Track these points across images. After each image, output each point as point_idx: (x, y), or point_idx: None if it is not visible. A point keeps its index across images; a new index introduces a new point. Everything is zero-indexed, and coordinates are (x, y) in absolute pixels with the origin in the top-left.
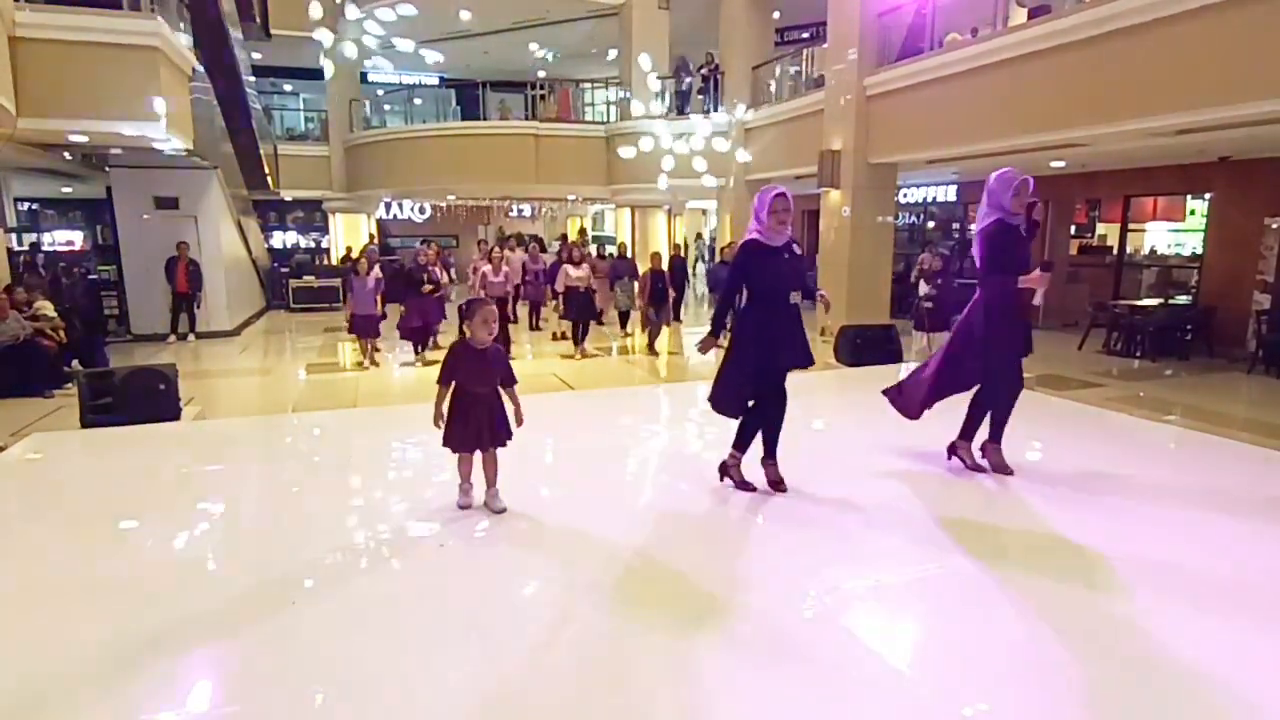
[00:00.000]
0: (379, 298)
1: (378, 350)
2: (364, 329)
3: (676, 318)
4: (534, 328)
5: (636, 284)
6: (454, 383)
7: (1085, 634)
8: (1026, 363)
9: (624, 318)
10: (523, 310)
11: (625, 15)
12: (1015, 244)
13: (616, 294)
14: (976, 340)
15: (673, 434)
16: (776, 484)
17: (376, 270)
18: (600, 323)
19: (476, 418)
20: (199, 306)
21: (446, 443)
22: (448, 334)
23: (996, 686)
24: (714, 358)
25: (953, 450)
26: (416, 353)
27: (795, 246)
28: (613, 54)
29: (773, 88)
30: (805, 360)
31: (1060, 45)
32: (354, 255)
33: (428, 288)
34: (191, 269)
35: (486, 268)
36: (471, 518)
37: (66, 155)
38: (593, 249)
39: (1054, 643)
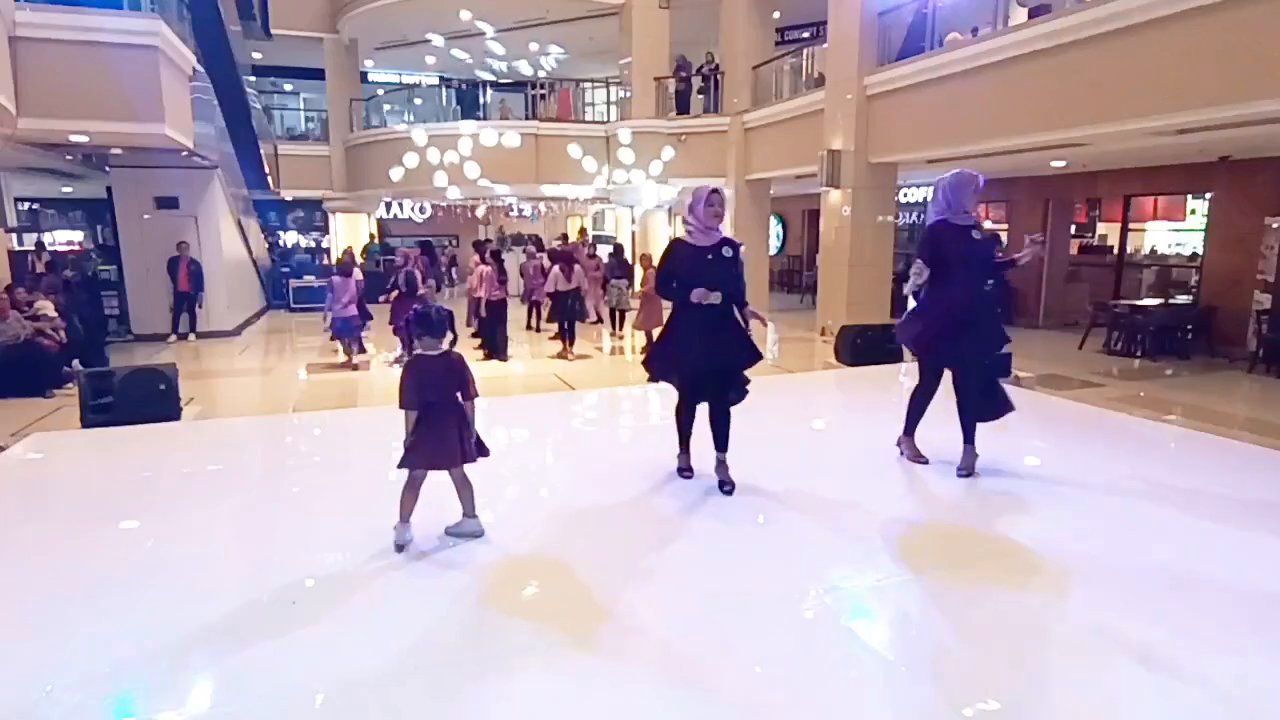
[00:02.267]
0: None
1: (355, 352)
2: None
3: None
4: (530, 328)
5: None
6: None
7: (1086, 634)
8: (1028, 361)
9: (617, 316)
10: (521, 310)
11: (625, 15)
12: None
13: (612, 292)
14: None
15: (667, 433)
16: (723, 484)
17: (357, 273)
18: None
19: (440, 431)
20: (200, 306)
21: (404, 462)
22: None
23: (997, 686)
24: None
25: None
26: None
27: (728, 249)
28: (627, 60)
29: (773, 87)
30: (736, 359)
31: (1060, 45)
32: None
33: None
34: (193, 268)
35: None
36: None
37: (67, 155)
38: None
39: (1055, 642)
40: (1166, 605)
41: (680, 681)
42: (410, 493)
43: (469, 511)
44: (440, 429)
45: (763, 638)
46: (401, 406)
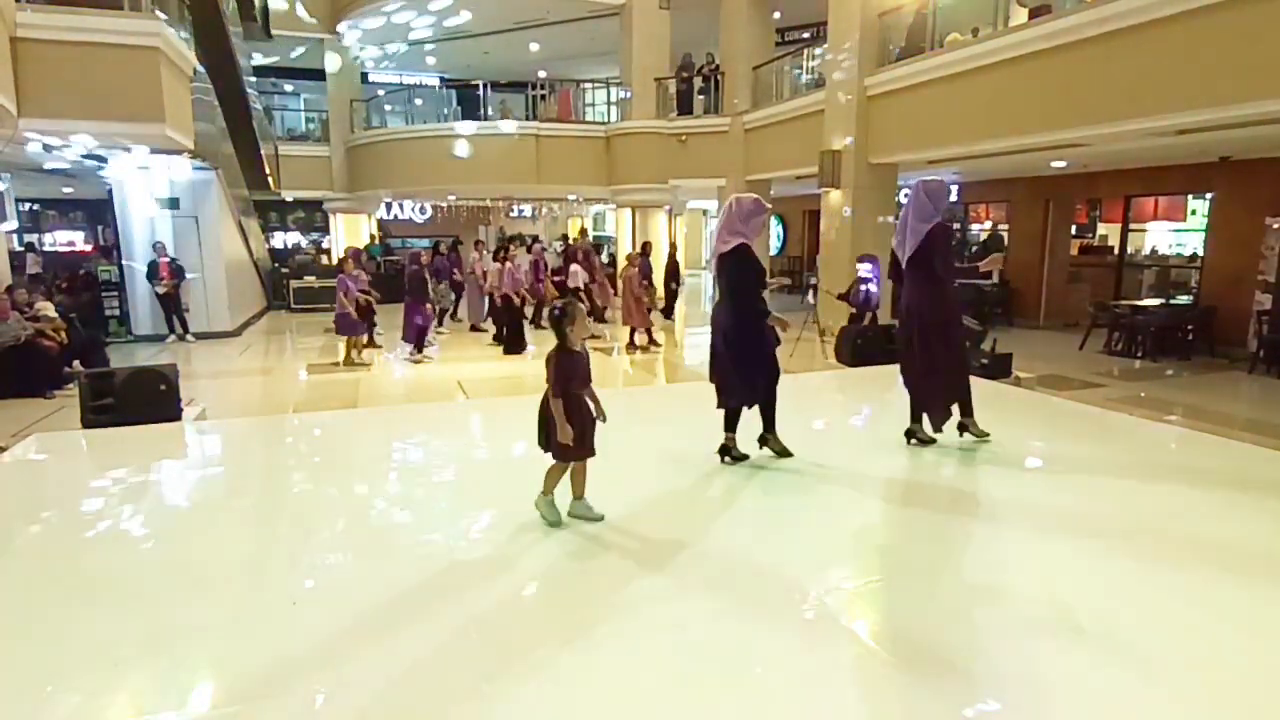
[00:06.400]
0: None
1: (360, 348)
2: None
3: (670, 316)
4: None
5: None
6: (567, 391)
7: (1087, 633)
8: (1029, 362)
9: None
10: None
11: (625, 15)
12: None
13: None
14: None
15: (665, 432)
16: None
17: (349, 268)
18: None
19: (590, 418)
20: (187, 309)
21: (579, 454)
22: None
23: (997, 686)
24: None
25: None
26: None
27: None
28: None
29: (773, 88)
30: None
31: (1060, 45)
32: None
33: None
34: (173, 266)
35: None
36: (468, 516)
37: (70, 156)
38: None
39: (1055, 642)
40: (1169, 604)
41: (680, 682)
42: (560, 474)
43: (581, 494)
44: (586, 417)
45: (763, 638)
46: (554, 395)
